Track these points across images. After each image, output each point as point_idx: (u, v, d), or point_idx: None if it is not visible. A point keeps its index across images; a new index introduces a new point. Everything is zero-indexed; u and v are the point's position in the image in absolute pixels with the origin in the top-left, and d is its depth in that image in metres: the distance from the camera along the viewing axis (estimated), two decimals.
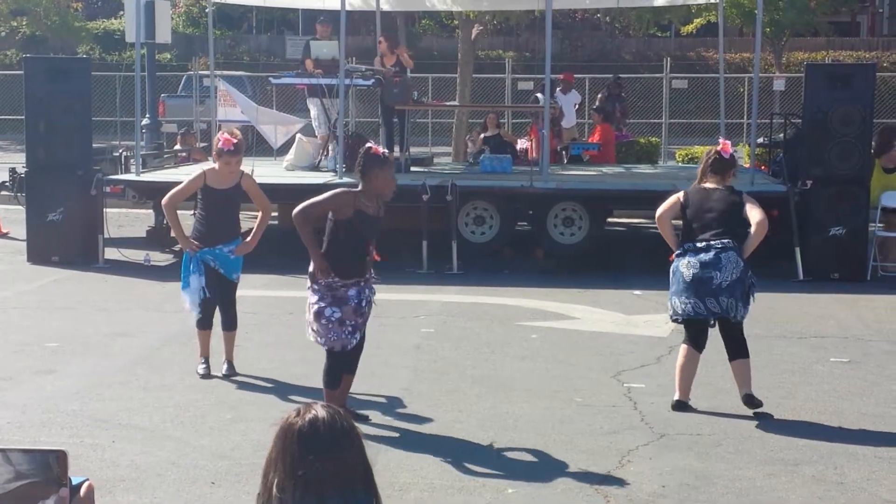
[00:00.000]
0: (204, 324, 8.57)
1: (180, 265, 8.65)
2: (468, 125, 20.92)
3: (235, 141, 8.32)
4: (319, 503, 2.64)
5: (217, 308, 8.55)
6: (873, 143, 13.63)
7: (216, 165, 8.47)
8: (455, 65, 21.51)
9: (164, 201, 8.68)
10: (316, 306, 7.01)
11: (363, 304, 7.05)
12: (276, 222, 16.07)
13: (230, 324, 8.61)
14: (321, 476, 2.64)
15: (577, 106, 20.44)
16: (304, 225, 6.98)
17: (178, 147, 17.92)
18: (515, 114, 24.84)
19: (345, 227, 6.95)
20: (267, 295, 11.60)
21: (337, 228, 6.97)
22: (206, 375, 8.46)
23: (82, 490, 2.22)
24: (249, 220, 9.37)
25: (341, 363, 7.12)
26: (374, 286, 7.19)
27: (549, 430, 7.24)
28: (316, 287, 7.01)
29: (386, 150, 7.15)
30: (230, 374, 8.48)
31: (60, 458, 2.15)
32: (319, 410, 2.73)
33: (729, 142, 8.17)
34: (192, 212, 8.71)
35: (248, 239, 8.53)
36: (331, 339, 7.02)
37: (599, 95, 20.92)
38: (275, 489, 2.68)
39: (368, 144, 7.10)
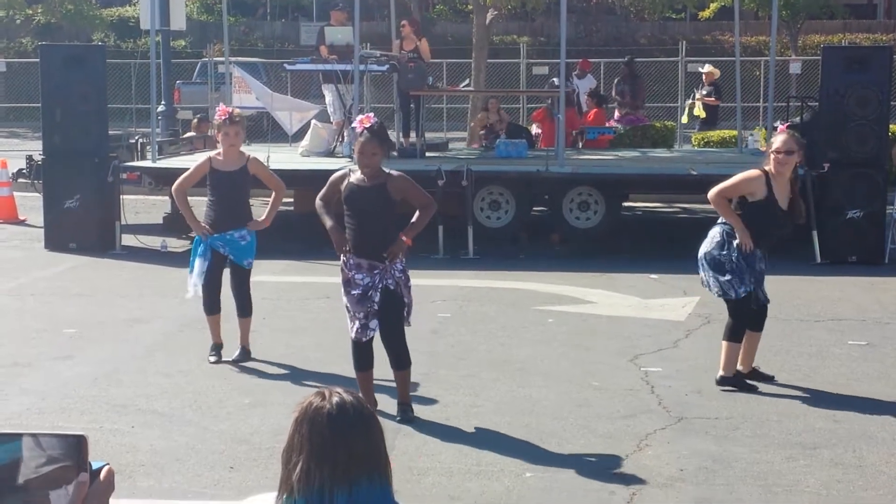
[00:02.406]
0: (210, 308, 8.58)
1: None
2: (480, 111, 20.88)
3: (231, 110, 8.45)
4: (349, 486, 2.63)
5: (224, 293, 8.55)
6: None
7: (220, 147, 8.52)
8: (469, 50, 21.46)
9: (173, 187, 8.74)
10: (343, 296, 7.07)
11: (370, 293, 6.93)
12: (291, 208, 16.12)
13: (244, 311, 8.61)
14: (352, 461, 2.64)
15: (598, 90, 20.42)
16: (322, 213, 7.11)
17: (192, 134, 17.95)
18: (530, 99, 24.77)
19: (344, 201, 7.04)
20: (283, 280, 11.63)
21: (341, 206, 7.08)
22: (217, 362, 8.48)
23: (102, 474, 2.21)
24: (264, 207, 9.37)
25: (356, 353, 7.13)
26: (397, 275, 6.98)
27: (567, 415, 7.24)
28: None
29: (370, 122, 6.89)
30: (241, 360, 8.49)
31: (81, 442, 2.15)
32: (344, 394, 2.73)
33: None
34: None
35: (262, 217, 8.56)
36: (350, 327, 7.06)
37: (616, 80, 20.85)
38: (298, 473, 2.66)
39: (358, 117, 7.11)
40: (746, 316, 7.80)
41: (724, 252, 7.69)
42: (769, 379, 7.94)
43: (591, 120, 18.60)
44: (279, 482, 2.74)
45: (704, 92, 20.10)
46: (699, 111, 20.11)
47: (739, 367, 7.92)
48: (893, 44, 27.94)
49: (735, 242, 7.64)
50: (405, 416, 7.06)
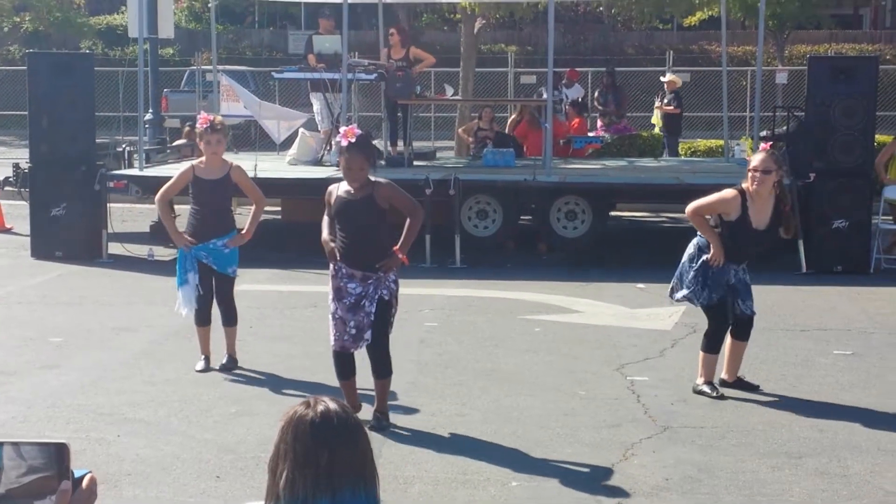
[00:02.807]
0: (202, 320, 8.57)
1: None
2: (470, 119, 20.91)
3: (212, 118, 8.46)
4: (332, 495, 2.64)
5: (215, 303, 8.56)
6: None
7: (203, 155, 8.54)
8: (457, 59, 21.50)
9: (156, 198, 8.74)
10: (330, 303, 7.06)
11: (363, 302, 6.95)
12: (279, 217, 16.11)
13: (230, 319, 8.61)
14: (335, 469, 2.65)
15: (579, 99, 20.44)
16: (323, 226, 7.15)
17: (183, 141, 17.92)
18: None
19: (334, 215, 7.04)
20: (270, 289, 11.62)
21: (330, 218, 7.09)
22: (205, 370, 8.47)
23: (84, 482, 2.21)
24: (246, 216, 9.37)
25: (339, 362, 7.12)
26: (391, 285, 7.01)
27: (553, 424, 7.25)
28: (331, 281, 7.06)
29: (354, 135, 6.84)
30: (229, 368, 8.49)
31: (63, 450, 2.14)
32: (329, 402, 2.74)
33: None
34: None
35: (243, 231, 8.54)
36: (334, 336, 7.04)
37: (597, 90, 20.92)
38: (282, 482, 2.67)
39: (342, 129, 7.11)
40: (717, 325, 7.89)
41: (692, 263, 7.83)
42: (755, 388, 7.98)
43: (574, 129, 18.65)
44: (265, 491, 2.74)
45: (665, 101, 20.11)
46: (656, 119, 20.18)
47: (724, 375, 7.97)
48: (879, 54, 28.08)
49: (704, 256, 7.74)
50: (379, 423, 7.02)
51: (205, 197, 8.45)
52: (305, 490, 2.64)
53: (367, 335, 6.97)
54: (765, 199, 7.67)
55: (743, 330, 7.92)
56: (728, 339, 7.97)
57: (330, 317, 7.10)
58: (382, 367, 7.11)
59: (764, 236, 7.74)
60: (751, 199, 7.66)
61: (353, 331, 6.97)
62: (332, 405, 2.72)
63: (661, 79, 20.96)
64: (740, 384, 7.97)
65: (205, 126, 8.36)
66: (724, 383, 7.95)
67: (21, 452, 2.11)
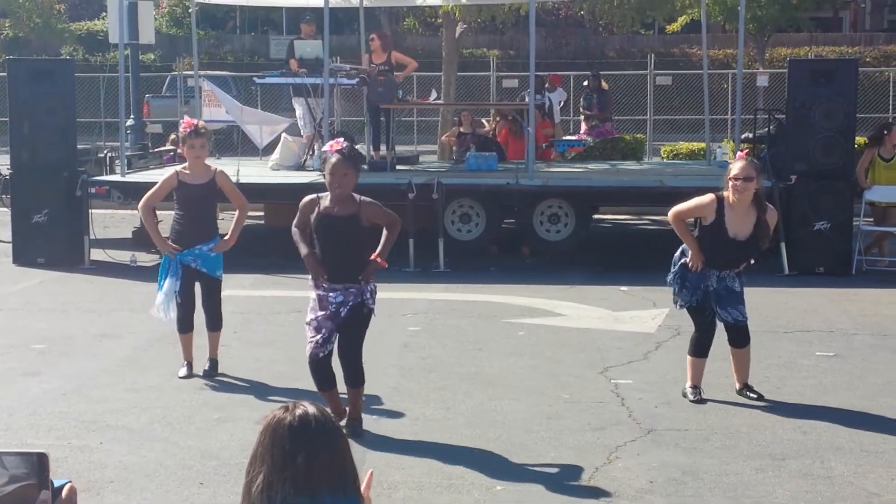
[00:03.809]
0: (184, 327, 8.52)
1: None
2: (452, 123, 20.94)
3: (196, 123, 8.44)
4: (312, 499, 2.63)
5: (198, 309, 8.52)
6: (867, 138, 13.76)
7: (186, 160, 8.52)
8: (439, 63, 21.51)
9: (140, 204, 8.71)
10: (308, 311, 7.02)
11: (341, 309, 6.91)
12: (262, 222, 16.09)
13: (214, 324, 8.58)
14: (313, 473, 2.64)
15: (561, 103, 20.48)
16: (298, 241, 7.02)
17: (170, 147, 17.88)
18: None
19: (314, 230, 6.95)
20: (253, 294, 11.59)
21: (311, 233, 6.99)
22: (188, 377, 8.44)
23: (64, 492, 2.21)
24: (230, 221, 9.35)
25: (315, 374, 7.08)
26: (369, 293, 6.97)
27: (537, 427, 7.25)
28: (312, 293, 7.00)
29: (341, 146, 6.82)
30: (212, 374, 8.47)
31: (43, 460, 2.14)
32: (308, 407, 2.73)
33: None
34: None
35: (227, 237, 8.50)
36: (309, 344, 7.02)
37: (583, 94, 20.93)
38: (261, 486, 2.66)
39: (328, 143, 7.06)
40: (696, 328, 7.90)
41: (674, 267, 7.87)
42: (759, 397, 7.87)
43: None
44: (241, 494, 2.73)
45: (585, 103, 20.07)
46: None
47: (736, 384, 7.96)
48: (859, 56, 28.25)
49: (684, 259, 7.77)
50: (353, 430, 6.97)
51: (189, 203, 8.41)
52: (284, 493, 2.63)
53: (334, 339, 6.96)
54: (745, 207, 7.65)
55: (734, 337, 7.90)
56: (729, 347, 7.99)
57: (306, 325, 7.06)
58: (355, 376, 7.08)
59: (742, 246, 7.69)
60: (729, 206, 7.64)
61: (326, 335, 6.95)
62: (311, 409, 2.72)
63: (585, 84, 20.58)
64: (746, 390, 7.92)
65: (188, 130, 8.34)
66: (738, 392, 7.95)
67: (3, 463, 2.11)
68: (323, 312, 6.94)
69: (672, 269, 7.90)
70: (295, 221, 7.09)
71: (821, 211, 12.79)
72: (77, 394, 8.01)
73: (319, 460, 2.65)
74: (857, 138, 13.95)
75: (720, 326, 7.87)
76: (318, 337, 6.96)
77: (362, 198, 6.99)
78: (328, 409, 2.85)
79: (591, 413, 7.57)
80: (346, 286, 6.91)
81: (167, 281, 8.37)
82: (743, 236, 7.66)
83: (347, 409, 7.17)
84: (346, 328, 6.98)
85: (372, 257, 6.92)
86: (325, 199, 6.95)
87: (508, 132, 17.68)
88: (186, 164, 8.51)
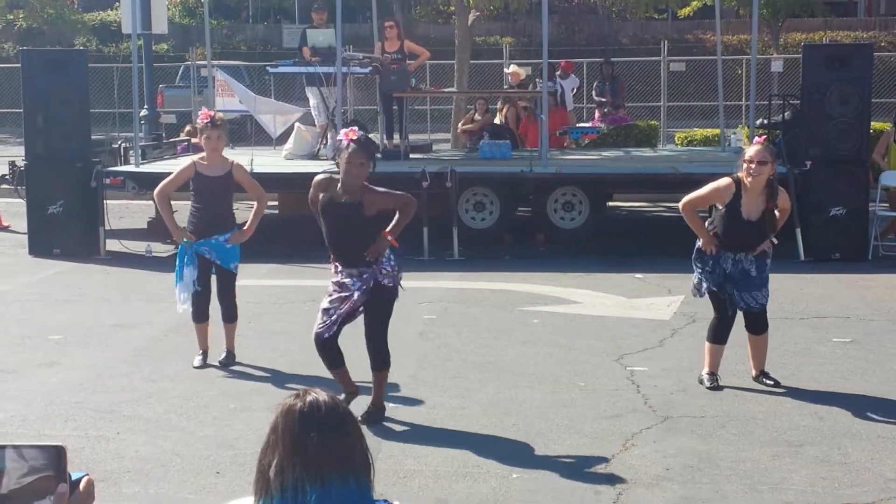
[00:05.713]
0: (199, 317, 8.55)
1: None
2: (466, 111, 20.90)
3: (213, 114, 8.47)
4: (321, 484, 2.64)
5: (213, 300, 8.54)
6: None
7: (204, 151, 8.52)
8: (452, 51, 21.47)
9: (155, 192, 8.71)
10: (324, 298, 7.05)
11: (355, 293, 6.92)
12: (276, 212, 16.10)
13: (230, 315, 8.60)
14: (323, 456, 2.64)
15: (574, 90, 20.41)
16: (317, 215, 7.07)
17: (183, 137, 17.91)
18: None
19: (321, 212, 6.98)
20: (269, 284, 11.61)
21: (318, 216, 7.03)
22: (202, 366, 8.46)
23: (81, 485, 2.21)
24: (248, 211, 9.36)
25: (323, 353, 7.09)
26: (386, 274, 6.96)
27: (553, 415, 7.25)
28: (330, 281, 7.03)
29: (356, 135, 6.80)
30: (228, 364, 8.48)
31: (60, 453, 2.15)
32: (319, 393, 2.74)
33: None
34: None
35: (245, 227, 8.51)
36: (319, 321, 7.03)
37: (596, 81, 20.86)
38: (273, 471, 2.68)
39: (342, 131, 7.05)
40: (715, 314, 7.89)
41: (693, 255, 7.87)
42: (775, 384, 7.88)
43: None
44: (254, 482, 2.75)
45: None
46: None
47: (752, 371, 7.95)
48: (874, 41, 28.08)
49: (698, 244, 7.77)
50: (371, 417, 6.98)
51: (206, 194, 8.43)
52: (295, 479, 2.64)
53: (341, 325, 6.99)
54: (758, 191, 7.64)
55: (751, 323, 7.87)
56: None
57: (320, 311, 7.07)
58: (380, 359, 7.10)
59: (756, 227, 7.69)
60: (745, 188, 7.64)
61: (335, 317, 6.96)
62: (322, 396, 2.73)
63: (506, 70, 19.89)
64: (762, 376, 7.91)
65: (205, 122, 8.35)
66: (755, 378, 7.94)
67: (22, 455, 2.13)
68: (338, 296, 6.95)
69: (692, 257, 7.89)
70: (310, 195, 7.06)
71: (836, 196, 12.74)
72: (93, 384, 8.04)
73: (329, 445, 2.65)
74: (872, 123, 13.88)
75: (739, 314, 7.85)
76: (327, 319, 6.97)
77: (370, 186, 6.98)
78: (341, 397, 2.85)
79: (606, 400, 7.56)
80: (361, 270, 6.92)
81: (186, 270, 8.39)
82: (755, 217, 7.67)
83: (370, 396, 7.17)
84: (369, 311, 7.03)
85: (382, 233, 6.91)
86: (336, 186, 6.97)
87: (528, 120, 17.62)
88: (204, 155, 8.52)
